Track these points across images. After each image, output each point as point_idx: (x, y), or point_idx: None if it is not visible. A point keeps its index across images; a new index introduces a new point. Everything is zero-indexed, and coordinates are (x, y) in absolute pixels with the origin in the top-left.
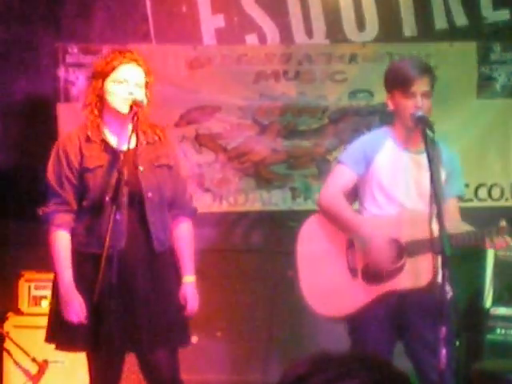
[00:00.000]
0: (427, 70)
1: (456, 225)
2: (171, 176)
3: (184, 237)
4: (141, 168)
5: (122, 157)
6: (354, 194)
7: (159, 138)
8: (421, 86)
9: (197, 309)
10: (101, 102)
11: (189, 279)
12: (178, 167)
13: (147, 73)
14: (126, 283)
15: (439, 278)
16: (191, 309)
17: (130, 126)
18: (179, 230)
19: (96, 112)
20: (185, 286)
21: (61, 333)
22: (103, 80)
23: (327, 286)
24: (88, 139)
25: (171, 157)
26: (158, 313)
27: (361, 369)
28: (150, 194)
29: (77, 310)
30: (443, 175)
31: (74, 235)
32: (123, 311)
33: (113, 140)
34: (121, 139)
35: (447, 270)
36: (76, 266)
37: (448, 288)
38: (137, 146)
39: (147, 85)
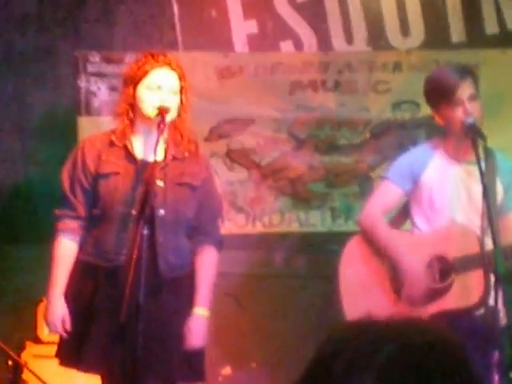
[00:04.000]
0: (467, 72)
1: None
2: (194, 197)
3: (203, 266)
4: (160, 183)
5: (143, 166)
6: (406, 212)
7: (191, 153)
8: (465, 89)
9: (202, 346)
10: (133, 110)
11: (199, 311)
12: (207, 190)
13: (181, 77)
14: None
15: (491, 299)
16: (194, 344)
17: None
18: (200, 258)
19: (127, 121)
20: (192, 318)
21: (66, 347)
22: (135, 86)
23: (371, 308)
24: (111, 143)
25: (198, 177)
26: (156, 344)
27: (402, 333)
28: (161, 212)
29: (57, 321)
30: (500, 187)
31: (81, 243)
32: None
33: (138, 148)
34: (149, 149)
35: (501, 290)
36: (76, 275)
37: (501, 311)
38: (164, 158)
39: (182, 90)
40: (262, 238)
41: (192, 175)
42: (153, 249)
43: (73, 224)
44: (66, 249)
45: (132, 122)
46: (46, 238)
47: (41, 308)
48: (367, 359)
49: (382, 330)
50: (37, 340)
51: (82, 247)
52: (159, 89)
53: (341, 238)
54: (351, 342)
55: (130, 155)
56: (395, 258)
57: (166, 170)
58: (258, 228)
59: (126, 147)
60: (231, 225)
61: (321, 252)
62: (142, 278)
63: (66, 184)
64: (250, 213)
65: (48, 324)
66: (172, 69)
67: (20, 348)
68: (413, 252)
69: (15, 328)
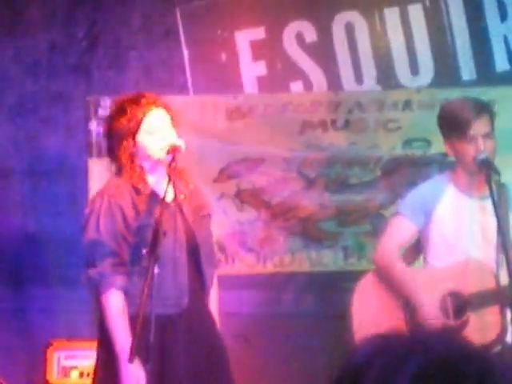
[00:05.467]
0: (484, 109)
1: None
2: (210, 225)
3: (214, 296)
4: (191, 219)
5: (163, 207)
6: (418, 247)
7: (195, 187)
8: (480, 127)
9: None
10: (137, 157)
11: None
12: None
13: (174, 117)
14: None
15: (509, 336)
16: None
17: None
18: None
19: (137, 169)
20: None
21: None
22: (133, 137)
23: None
24: (138, 191)
25: (209, 205)
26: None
27: (426, 349)
28: (205, 248)
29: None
30: None
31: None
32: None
33: (160, 190)
34: (161, 190)
35: None
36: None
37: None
38: (176, 195)
39: (173, 123)
40: (272, 277)
41: (206, 206)
42: (198, 281)
43: (125, 279)
44: (121, 301)
45: (140, 166)
46: (56, 280)
47: (50, 351)
48: (398, 369)
49: (409, 341)
50: (46, 383)
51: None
52: (159, 130)
53: (354, 277)
54: (381, 353)
55: (158, 199)
56: (410, 296)
57: (187, 206)
58: (269, 268)
59: (152, 193)
60: (241, 265)
61: (333, 291)
62: (152, 316)
63: (108, 240)
64: (260, 253)
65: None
66: (158, 106)
67: None
68: (428, 289)
69: (24, 371)
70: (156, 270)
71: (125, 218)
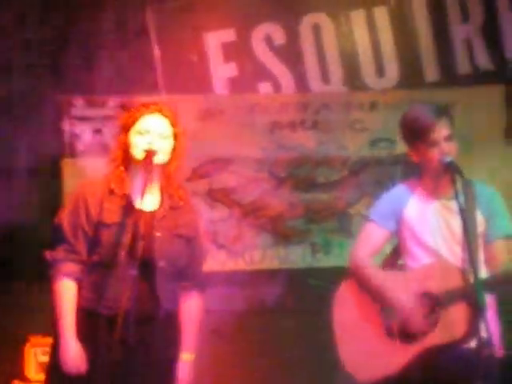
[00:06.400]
0: (443, 112)
1: (505, 268)
2: (188, 247)
3: (189, 311)
4: (158, 234)
5: (141, 216)
6: (399, 251)
7: (185, 202)
8: (442, 130)
9: None
10: (126, 156)
11: (185, 356)
12: (198, 239)
13: (174, 124)
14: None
15: (483, 331)
16: None
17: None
18: (186, 304)
19: (122, 167)
20: (181, 364)
21: None
22: (126, 133)
23: (365, 349)
24: (111, 192)
25: (192, 227)
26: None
27: None
28: (162, 264)
29: (77, 361)
30: (481, 217)
31: (79, 288)
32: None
33: (136, 196)
34: (146, 197)
35: (489, 321)
36: (76, 321)
37: (491, 344)
38: (160, 207)
39: (175, 137)
40: (243, 274)
41: (187, 226)
42: (150, 297)
43: (75, 267)
44: (70, 290)
45: (127, 166)
46: (30, 278)
47: (28, 347)
48: None
49: None
50: (24, 379)
51: (79, 293)
52: (148, 133)
53: (321, 273)
54: None
55: (130, 204)
56: (387, 298)
57: (164, 221)
58: (240, 265)
59: (125, 196)
60: (213, 261)
61: (302, 287)
62: (131, 321)
63: (67, 229)
64: (232, 249)
65: (65, 364)
66: (163, 115)
67: None
68: (401, 290)
69: (2, 367)
70: (134, 272)
71: (88, 213)
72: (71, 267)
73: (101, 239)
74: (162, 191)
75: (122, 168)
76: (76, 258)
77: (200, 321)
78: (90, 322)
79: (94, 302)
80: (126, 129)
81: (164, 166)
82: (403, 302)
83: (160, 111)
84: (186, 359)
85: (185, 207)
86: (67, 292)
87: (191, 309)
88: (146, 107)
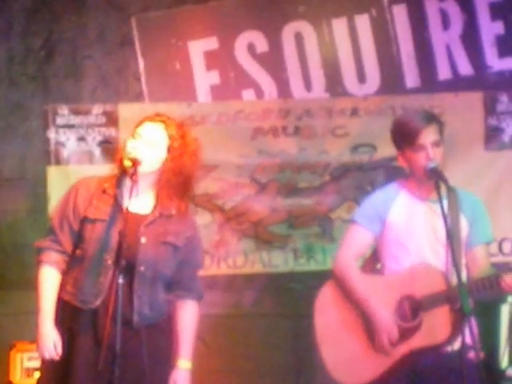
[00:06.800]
0: (432, 119)
1: (484, 273)
2: (176, 256)
3: (185, 319)
4: (143, 240)
5: (128, 218)
6: (377, 255)
7: (179, 212)
8: (429, 136)
9: None
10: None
11: (182, 364)
12: (190, 249)
13: (172, 137)
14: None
15: (460, 337)
16: None
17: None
18: (182, 312)
19: (120, 170)
20: (176, 372)
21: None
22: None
23: (347, 355)
24: (104, 191)
25: (182, 236)
26: None
27: None
28: (142, 268)
29: (49, 345)
30: (465, 222)
31: (62, 279)
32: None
33: (126, 199)
34: (138, 200)
35: (470, 328)
36: (59, 311)
37: (471, 348)
38: (151, 213)
39: (170, 149)
40: (227, 279)
41: (176, 235)
42: (130, 301)
43: (57, 257)
44: (52, 277)
45: (122, 172)
46: (16, 285)
47: (13, 353)
48: None
49: None
50: None
51: (61, 284)
52: (139, 137)
53: (303, 277)
54: None
55: (118, 205)
56: (366, 311)
57: (151, 227)
58: (223, 269)
59: (115, 197)
60: None
61: (284, 291)
62: (118, 327)
63: (55, 219)
64: (215, 254)
65: (40, 348)
66: (164, 126)
67: None
68: (382, 295)
69: None
70: (120, 281)
71: (75, 206)
72: (54, 257)
73: (84, 234)
74: (157, 198)
75: (119, 170)
76: (59, 249)
77: (196, 330)
78: (69, 315)
79: (74, 296)
80: (131, 134)
81: (158, 174)
82: (382, 317)
83: (163, 122)
84: (183, 367)
85: (177, 217)
86: (47, 279)
87: (186, 317)
88: (153, 116)
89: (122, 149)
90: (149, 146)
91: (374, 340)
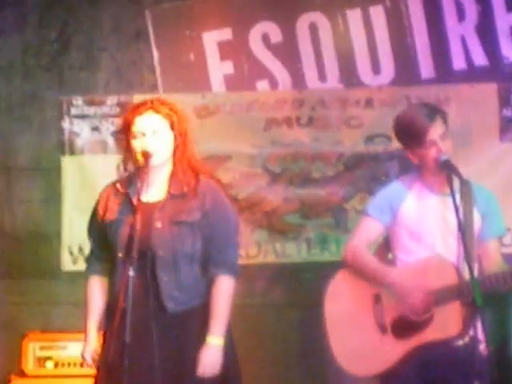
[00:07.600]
0: (436, 113)
1: (496, 267)
2: (195, 233)
3: (215, 294)
4: (158, 224)
5: (137, 211)
6: (388, 246)
7: (190, 188)
8: (436, 130)
9: (214, 374)
10: (132, 157)
11: (211, 340)
12: (213, 220)
13: (169, 115)
14: (140, 345)
15: (471, 330)
16: (205, 372)
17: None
18: (213, 288)
19: (129, 167)
20: (206, 347)
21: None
22: (126, 135)
23: (357, 344)
24: (117, 192)
25: (196, 212)
26: (171, 380)
27: None
28: (161, 253)
29: (87, 354)
30: (477, 217)
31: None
32: (140, 373)
33: (142, 193)
34: (151, 191)
35: (481, 321)
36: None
37: (482, 341)
38: (163, 198)
39: (173, 126)
40: (241, 269)
41: (189, 212)
42: (157, 287)
43: (98, 265)
44: (95, 286)
45: (137, 169)
46: (29, 274)
47: (25, 342)
48: None
49: None
50: (22, 374)
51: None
52: (142, 135)
53: (316, 268)
54: None
55: (129, 200)
56: (385, 281)
57: (164, 211)
58: None
59: (126, 194)
60: None
61: (297, 282)
62: (128, 319)
63: (89, 230)
64: None
65: (81, 354)
66: (155, 111)
67: (5, 382)
68: (401, 278)
69: (0, 361)
70: (131, 273)
71: (98, 214)
72: (94, 265)
73: (108, 238)
74: (169, 182)
75: (128, 168)
76: (96, 256)
77: (229, 305)
78: (110, 316)
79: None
80: (124, 131)
81: (170, 163)
82: (404, 284)
83: (151, 108)
84: (211, 343)
85: (190, 193)
86: (91, 288)
87: (219, 293)
88: (137, 108)
89: (124, 149)
90: (155, 136)
91: (385, 329)
